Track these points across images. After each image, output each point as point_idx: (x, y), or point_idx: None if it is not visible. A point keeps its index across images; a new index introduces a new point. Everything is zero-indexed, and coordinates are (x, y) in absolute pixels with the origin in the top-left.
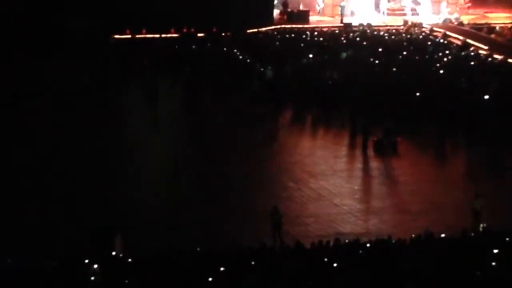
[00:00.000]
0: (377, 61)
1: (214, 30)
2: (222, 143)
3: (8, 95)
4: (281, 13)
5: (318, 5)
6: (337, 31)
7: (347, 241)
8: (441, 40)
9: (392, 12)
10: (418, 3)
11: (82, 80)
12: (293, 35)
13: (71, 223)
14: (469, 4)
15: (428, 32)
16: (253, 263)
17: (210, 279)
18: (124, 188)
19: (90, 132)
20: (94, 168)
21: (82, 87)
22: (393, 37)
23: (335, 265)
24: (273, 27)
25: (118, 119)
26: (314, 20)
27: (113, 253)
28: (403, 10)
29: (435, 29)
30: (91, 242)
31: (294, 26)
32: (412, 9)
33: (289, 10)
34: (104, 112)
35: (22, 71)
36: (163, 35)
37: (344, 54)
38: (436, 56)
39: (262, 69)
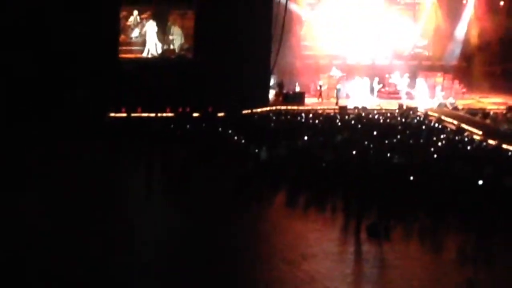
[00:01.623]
0: (371, 144)
1: (210, 110)
2: (214, 223)
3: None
4: (276, 94)
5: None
6: (332, 114)
7: None
8: (436, 125)
9: (387, 95)
10: (413, 87)
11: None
12: (288, 116)
13: None
14: (464, 89)
15: (423, 116)
16: None
17: None
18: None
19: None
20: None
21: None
22: (388, 120)
23: None
24: (268, 108)
25: (113, 195)
26: (310, 102)
27: None
28: (398, 93)
29: (430, 113)
30: None
31: (289, 107)
32: (407, 93)
33: (284, 91)
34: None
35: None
36: (159, 114)
37: (339, 137)
38: (430, 141)
39: (256, 150)
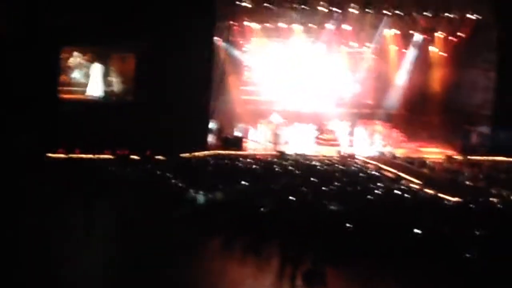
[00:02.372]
0: (309, 191)
1: (148, 153)
2: (149, 267)
3: None
4: (216, 139)
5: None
6: (271, 159)
7: None
8: (374, 172)
9: (326, 142)
10: (353, 135)
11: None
12: (227, 161)
13: None
14: (403, 138)
15: (361, 164)
16: None
17: None
18: None
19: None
20: None
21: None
22: (326, 167)
23: None
24: (207, 152)
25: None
26: (249, 146)
27: None
28: (336, 140)
29: (368, 161)
30: None
31: (228, 152)
32: (347, 140)
33: (224, 135)
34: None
35: None
36: (97, 156)
37: (277, 182)
38: (368, 188)
39: (194, 194)
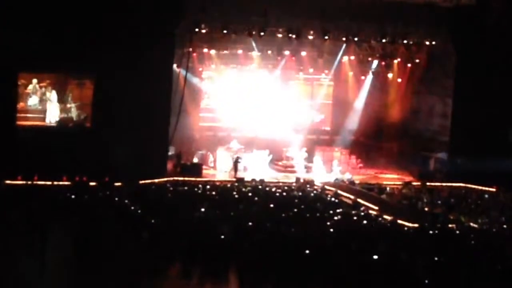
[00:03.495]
0: (268, 217)
1: (106, 179)
2: None
3: None
4: (174, 165)
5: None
6: (229, 186)
7: None
8: (333, 199)
9: (284, 168)
10: (311, 161)
11: None
12: (185, 187)
13: None
14: (361, 165)
15: (320, 190)
16: None
17: None
18: None
19: None
20: None
21: None
22: (284, 193)
23: None
24: (166, 178)
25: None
26: (207, 173)
27: None
28: (294, 167)
29: (326, 187)
30: None
31: (187, 178)
32: (304, 167)
33: (182, 162)
34: None
35: None
36: (55, 183)
37: (235, 209)
38: (326, 214)
39: (152, 221)
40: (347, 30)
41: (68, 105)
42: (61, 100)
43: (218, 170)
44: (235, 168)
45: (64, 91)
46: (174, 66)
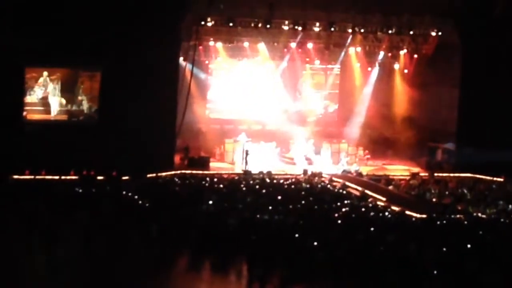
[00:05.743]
0: (275, 209)
1: (114, 174)
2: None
3: None
4: (181, 158)
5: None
6: (236, 178)
7: None
8: (340, 190)
9: (291, 160)
10: (318, 153)
11: None
12: (193, 180)
13: None
14: (368, 156)
15: (327, 182)
16: None
17: None
18: None
19: None
20: None
21: None
22: (292, 186)
23: None
24: (173, 172)
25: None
26: (215, 166)
27: None
28: (301, 159)
29: (334, 179)
30: None
31: (194, 171)
32: (312, 159)
33: (190, 156)
34: None
35: None
36: (63, 177)
37: (243, 201)
38: (334, 206)
39: (160, 214)
40: (353, 22)
41: (79, 98)
42: (72, 92)
43: (227, 162)
44: (245, 160)
45: (75, 84)
46: (181, 59)
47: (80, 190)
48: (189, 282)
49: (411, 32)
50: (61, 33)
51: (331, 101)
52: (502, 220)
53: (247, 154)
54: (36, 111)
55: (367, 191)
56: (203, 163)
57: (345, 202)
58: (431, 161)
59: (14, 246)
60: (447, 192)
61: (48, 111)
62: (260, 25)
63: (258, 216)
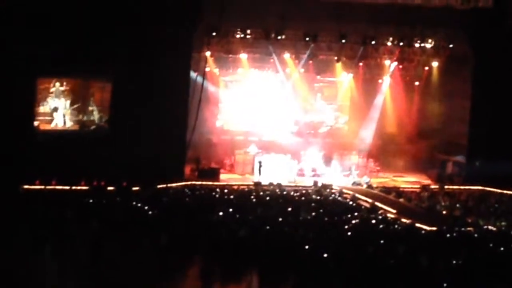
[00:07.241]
0: (285, 221)
1: (124, 184)
2: None
3: None
4: (192, 169)
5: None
6: (247, 190)
7: None
8: (350, 202)
9: (301, 172)
10: (329, 165)
11: None
12: (203, 191)
13: None
14: (379, 168)
15: (337, 194)
16: None
17: None
18: None
19: None
20: None
21: None
22: (302, 197)
23: None
24: (183, 183)
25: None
26: (225, 177)
27: None
28: (313, 171)
29: (344, 191)
30: None
31: (204, 182)
32: (322, 171)
33: (200, 166)
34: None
35: None
36: (73, 187)
37: (253, 213)
38: (344, 218)
39: (171, 225)
40: (364, 34)
41: (90, 108)
42: (84, 102)
43: (237, 173)
44: (259, 171)
45: (87, 94)
46: (191, 70)
47: (91, 200)
48: None
49: (423, 44)
50: (73, 44)
51: (342, 112)
52: None
53: (260, 165)
54: (47, 121)
55: (377, 203)
56: (213, 174)
57: (355, 214)
58: (441, 173)
59: (25, 255)
60: (457, 205)
61: (59, 122)
62: (271, 36)
63: (268, 227)
